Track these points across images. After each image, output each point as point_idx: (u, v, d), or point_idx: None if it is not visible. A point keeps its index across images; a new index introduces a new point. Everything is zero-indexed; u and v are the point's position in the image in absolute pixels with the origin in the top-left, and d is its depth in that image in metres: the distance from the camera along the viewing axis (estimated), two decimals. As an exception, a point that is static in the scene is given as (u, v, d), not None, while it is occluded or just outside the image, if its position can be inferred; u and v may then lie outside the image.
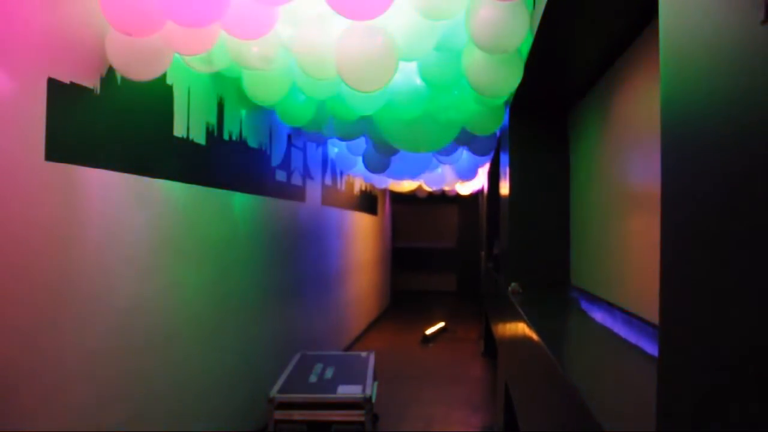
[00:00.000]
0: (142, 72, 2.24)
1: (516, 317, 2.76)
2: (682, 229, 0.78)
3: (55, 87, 1.94)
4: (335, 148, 5.80)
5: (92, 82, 2.14)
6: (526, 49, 2.44)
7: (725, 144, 0.66)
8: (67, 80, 2.00)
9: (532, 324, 2.20)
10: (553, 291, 3.22)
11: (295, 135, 4.64)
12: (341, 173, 6.63)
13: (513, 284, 3.28)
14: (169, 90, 2.71)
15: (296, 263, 4.95)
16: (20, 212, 1.80)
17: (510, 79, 2.42)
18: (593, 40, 2.19)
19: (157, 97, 2.62)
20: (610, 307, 2.32)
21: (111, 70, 2.24)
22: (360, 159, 5.09)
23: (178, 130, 2.80)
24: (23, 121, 1.81)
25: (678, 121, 0.80)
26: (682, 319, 0.77)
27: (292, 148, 4.71)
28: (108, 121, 2.24)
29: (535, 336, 2.06)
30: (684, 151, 0.78)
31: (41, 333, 1.89)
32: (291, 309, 4.77)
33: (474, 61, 2.38)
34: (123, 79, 2.31)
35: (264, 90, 2.89)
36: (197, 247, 3.04)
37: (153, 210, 2.59)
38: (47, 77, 1.91)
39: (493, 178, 6.40)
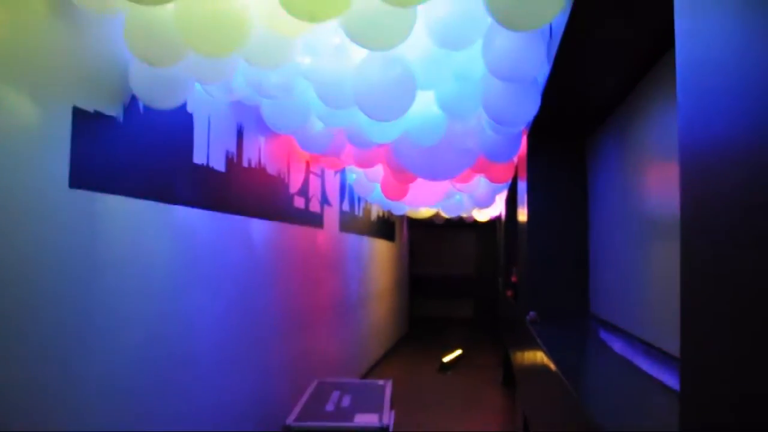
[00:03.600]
0: (164, 100, 2.29)
1: (534, 346, 2.71)
2: (703, 258, 0.77)
3: (79, 115, 1.99)
4: (353, 175, 5.84)
5: (116, 111, 2.19)
6: (543, 78, 2.45)
7: (745, 171, 0.65)
8: (91, 109, 2.05)
9: (550, 354, 2.16)
10: (572, 320, 3.17)
11: (313, 162, 4.68)
12: (359, 200, 6.66)
13: (531, 313, 3.24)
14: (189, 118, 2.76)
15: (314, 289, 4.94)
16: (45, 238, 1.83)
17: (527, 108, 2.42)
18: (611, 68, 2.19)
19: (177, 125, 2.66)
20: (629, 337, 2.27)
21: (134, 99, 2.29)
22: (378, 185, 5.12)
23: (198, 158, 2.84)
24: (49, 148, 1.85)
25: (696, 149, 0.80)
26: (704, 351, 0.75)
27: (310, 175, 4.75)
28: (130, 149, 2.28)
29: (553, 366, 2.02)
30: (704, 179, 0.77)
31: (65, 357, 1.90)
32: (308, 336, 4.75)
33: (491, 90, 2.39)
34: (145, 107, 2.36)
35: (283, 118, 2.94)
36: (216, 273, 3.05)
37: (173, 236, 2.62)
38: (72, 106, 1.96)
39: (511, 204, 6.38)
